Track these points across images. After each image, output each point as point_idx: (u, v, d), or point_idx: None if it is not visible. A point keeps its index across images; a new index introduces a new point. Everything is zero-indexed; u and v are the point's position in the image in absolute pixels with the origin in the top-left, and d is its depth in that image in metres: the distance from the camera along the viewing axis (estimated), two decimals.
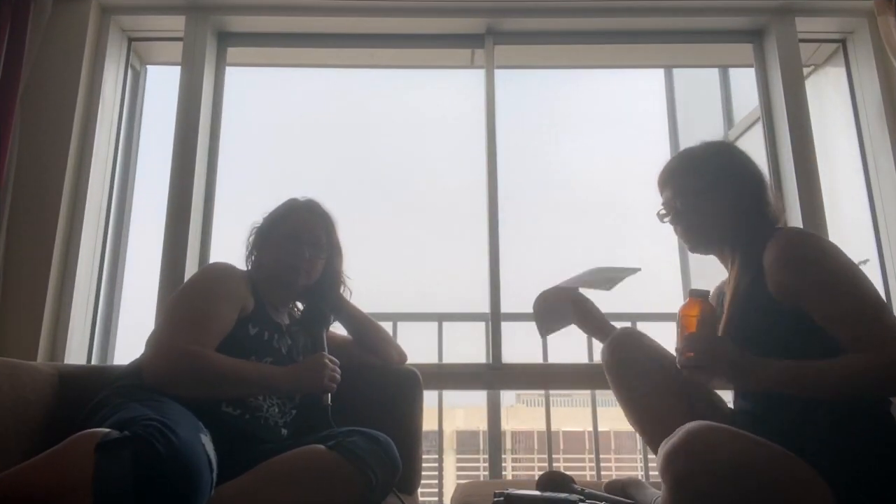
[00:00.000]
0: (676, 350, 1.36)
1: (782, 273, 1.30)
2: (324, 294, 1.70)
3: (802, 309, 1.27)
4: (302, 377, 1.49)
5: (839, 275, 1.27)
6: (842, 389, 1.19)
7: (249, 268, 1.69)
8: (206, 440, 1.13)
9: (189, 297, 1.49)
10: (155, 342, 1.41)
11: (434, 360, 2.43)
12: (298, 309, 1.75)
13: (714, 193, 1.45)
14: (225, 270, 1.57)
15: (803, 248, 1.31)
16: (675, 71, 3.41)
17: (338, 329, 1.79)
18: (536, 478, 1.46)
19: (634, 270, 1.66)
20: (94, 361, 2.27)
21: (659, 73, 3.40)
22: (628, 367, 1.52)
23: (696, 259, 2.85)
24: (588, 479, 1.66)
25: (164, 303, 1.55)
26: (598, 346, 1.65)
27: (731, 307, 1.39)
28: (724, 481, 1.09)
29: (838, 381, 1.19)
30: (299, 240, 1.63)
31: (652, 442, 1.47)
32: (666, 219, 1.55)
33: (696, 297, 1.36)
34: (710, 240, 1.50)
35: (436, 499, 2.49)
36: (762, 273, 1.33)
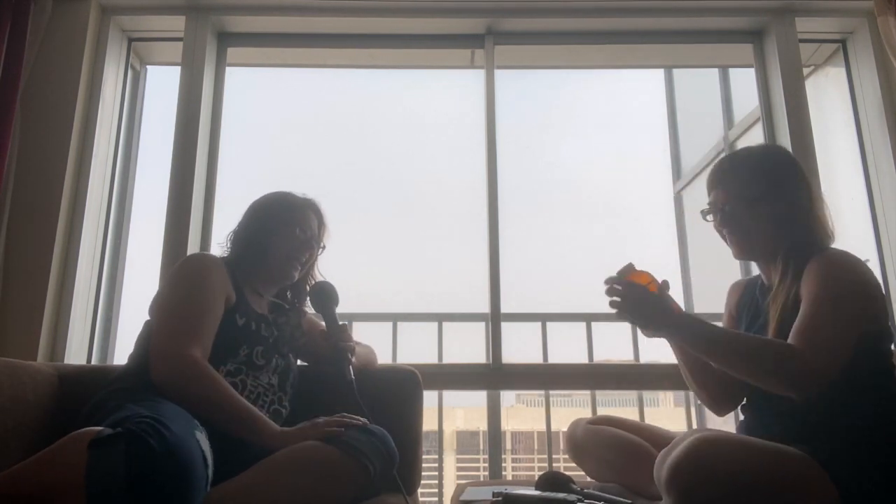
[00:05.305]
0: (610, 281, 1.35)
1: (805, 283, 1.30)
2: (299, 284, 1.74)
3: None
4: (288, 442, 1.35)
5: (837, 295, 1.26)
6: (749, 364, 1.20)
7: (230, 254, 1.65)
8: (202, 437, 1.13)
9: (183, 292, 1.47)
10: (157, 346, 1.39)
11: (434, 360, 2.43)
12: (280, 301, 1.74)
13: (767, 203, 1.41)
14: (208, 261, 1.56)
15: (832, 266, 1.30)
16: (675, 71, 3.42)
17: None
18: (536, 478, 1.46)
19: None
20: (94, 361, 2.27)
21: (659, 73, 3.40)
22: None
23: (696, 259, 2.85)
24: (587, 479, 1.65)
25: (156, 298, 1.52)
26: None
27: (779, 323, 1.34)
28: (734, 493, 1.05)
29: (749, 353, 1.22)
30: (307, 239, 1.67)
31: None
32: (709, 217, 1.51)
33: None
34: (761, 249, 1.45)
35: (436, 499, 2.49)
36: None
